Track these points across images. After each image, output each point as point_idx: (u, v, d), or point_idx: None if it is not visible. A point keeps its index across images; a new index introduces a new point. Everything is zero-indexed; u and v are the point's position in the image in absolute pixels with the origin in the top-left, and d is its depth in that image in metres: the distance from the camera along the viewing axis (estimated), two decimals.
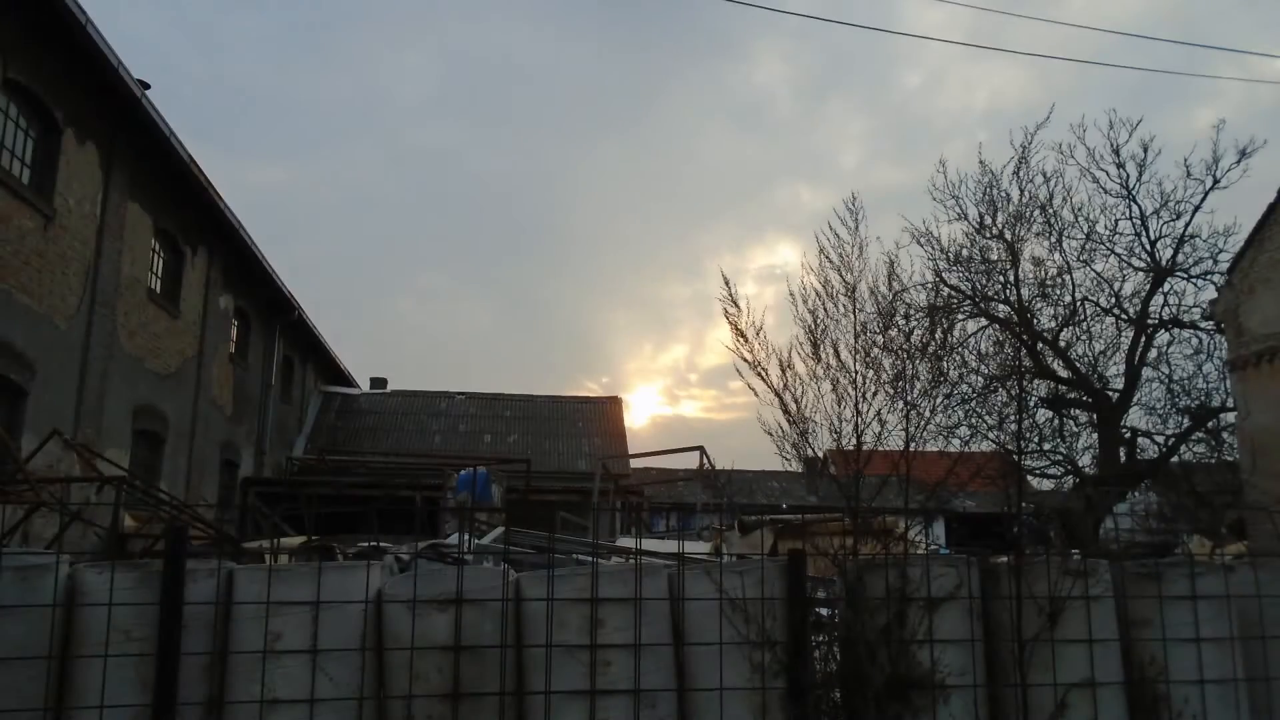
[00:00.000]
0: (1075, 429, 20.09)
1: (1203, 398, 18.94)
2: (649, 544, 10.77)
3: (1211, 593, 4.46)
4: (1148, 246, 19.69)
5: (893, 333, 6.04)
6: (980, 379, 16.51)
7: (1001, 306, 20.03)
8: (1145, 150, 19.28)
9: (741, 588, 4.27)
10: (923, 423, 5.72)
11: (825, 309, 5.79)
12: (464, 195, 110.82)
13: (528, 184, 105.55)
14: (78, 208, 12.17)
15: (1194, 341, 19.36)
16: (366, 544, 7.63)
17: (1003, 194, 19.73)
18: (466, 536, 9.23)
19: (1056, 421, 20.01)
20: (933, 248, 20.25)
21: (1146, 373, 19.61)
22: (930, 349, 6.07)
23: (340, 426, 27.68)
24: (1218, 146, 19.50)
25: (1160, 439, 19.64)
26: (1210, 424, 18.81)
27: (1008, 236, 19.77)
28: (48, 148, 11.56)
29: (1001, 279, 19.91)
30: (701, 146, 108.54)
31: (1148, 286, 19.66)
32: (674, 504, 30.57)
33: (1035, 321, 19.91)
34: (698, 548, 13.41)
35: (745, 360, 5.89)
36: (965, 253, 20.07)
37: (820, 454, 5.92)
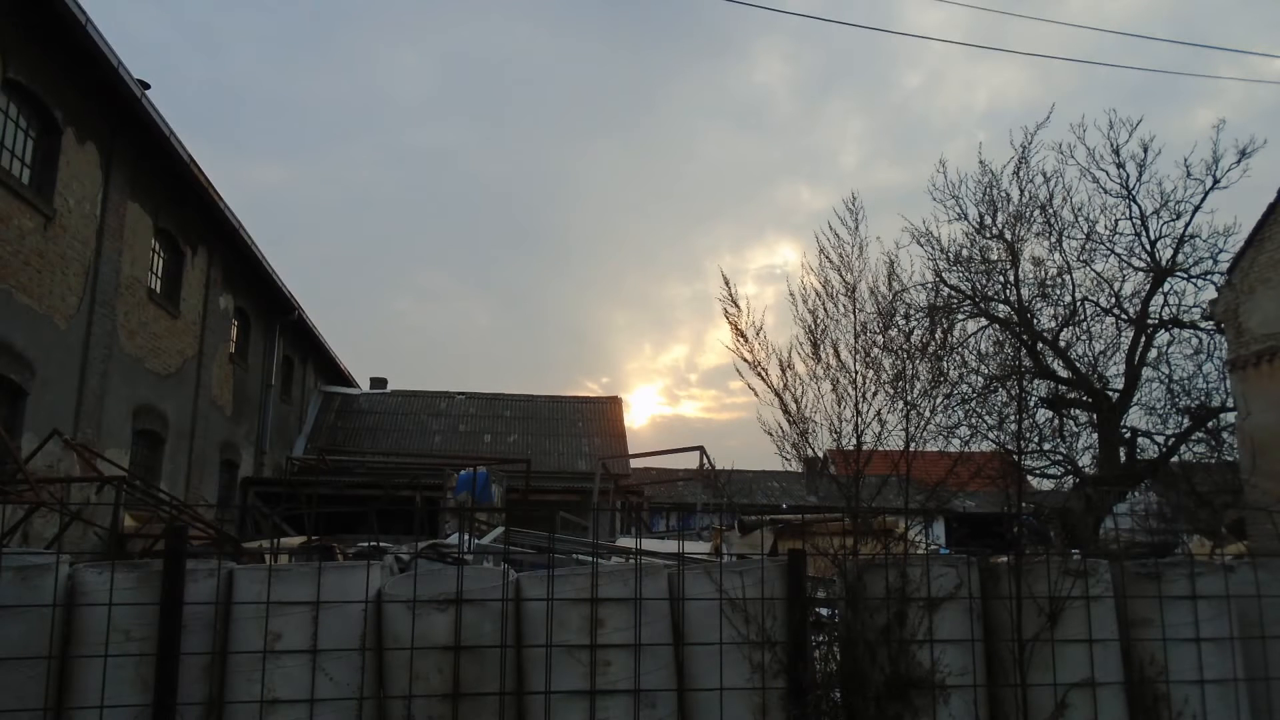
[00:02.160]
0: (1075, 429, 20.10)
1: (1203, 398, 18.94)
2: (649, 544, 10.77)
3: (1211, 593, 4.46)
4: (1148, 246, 19.70)
5: (893, 333, 6.04)
6: (980, 379, 16.52)
7: (1001, 306, 20.04)
8: (1145, 150, 19.30)
9: (741, 588, 4.27)
10: (923, 423, 5.72)
11: (825, 309, 5.79)
12: (464, 195, 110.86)
13: (528, 184, 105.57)
14: (78, 208, 12.17)
15: (1194, 341, 19.38)
16: (366, 544, 7.63)
17: (1003, 194, 19.75)
18: (466, 536, 9.22)
19: (1056, 421, 20.01)
20: (933, 248, 20.27)
21: (1146, 373, 19.62)
22: (930, 349, 6.08)
23: (340, 426, 27.69)
24: (1218, 146, 19.53)
25: (1160, 439, 19.65)
26: (1210, 424, 18.81)
27: (1008, 236, 19.77)
28: (48, 148, 11.56)
29: (1001, 279, 19.92)
30: (701, 146, 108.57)
31: (1148, 286, 19.67)
32: (674, 504, 30.63)
33: (1035, 321, 19.92)
34: (698, 548, 13.42)
35: (745, 360, 5.90)
36: (965, 253, 20.08)
37: (820, 454, 5.92)
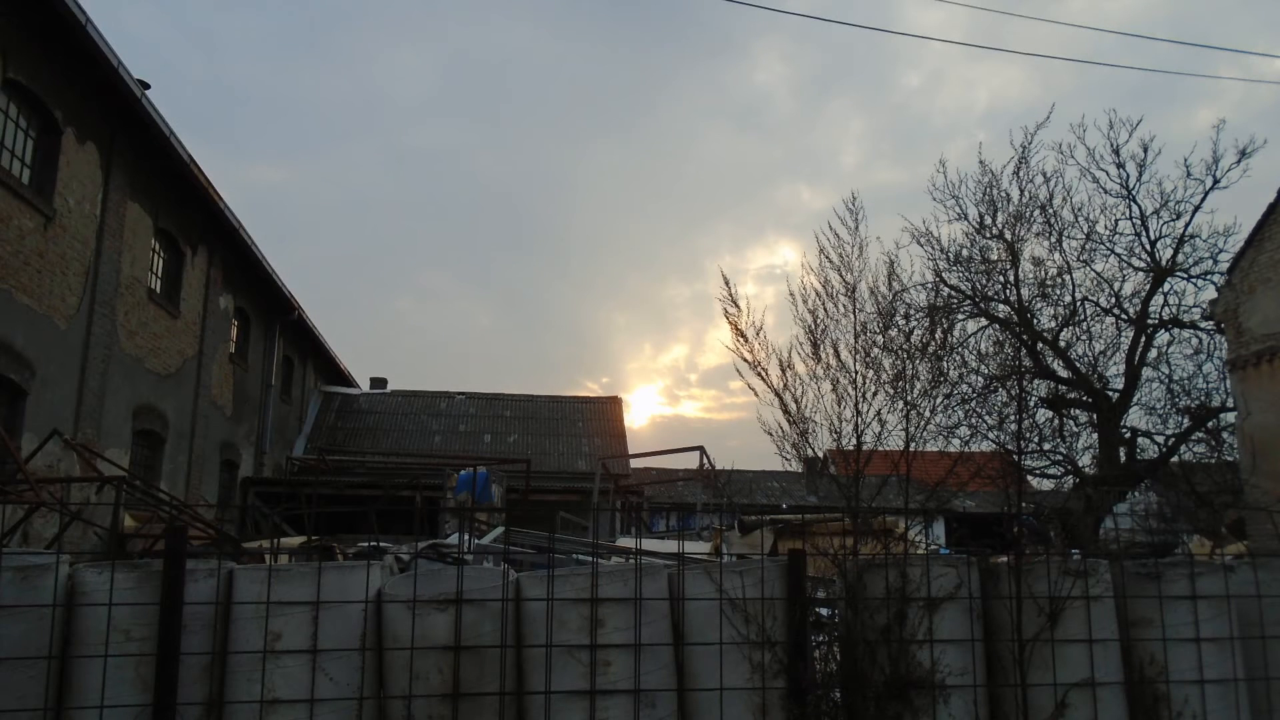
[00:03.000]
0: (1075, 429, 20.10)
1: (1203, 398, 18.93)
2: (649, 544, 10.77)
3: (1211, 593, 4.46)
4: (1148, 246, 19.70)
5: (893, 333, 6.05)
6: (980, 379, 16.52)
7: (1001, 306, 20.04)
8: (1145, 150, 19.30)
9: (741, 588, 4.27)
10: (923, 423, 5.73)
11: (825, 309, 5.80)
12: (464, 195, 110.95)
13: (528, 184, 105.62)
14: (78, 208, 12.17)
15: (1194, 341, 19.37)
16: (366, 544, 7.63)
17: (1003, 194, 19.75)
18: (466, 536, 9.23)
19: (1056, 421, 20.01)
20: (933, 248, 20.27)
21: (1146, 373, 19.62)
22: (930, 349, 6.08)
23: (340, 426, 27.70)
24: (1218, 146, 19.54)
25: (1160, 439, 19.65)
26: (1210, 424, 18.81)
27: (1008, 236, 19.78)
28: (48, 148, 11.56)
29: (1001, 279, 19.92)
30: (701, 146, 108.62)
31: (1148, 286, 19.67)
32: (674, 504, 30.63)
33: (1035, 321, 19.91)
34: (698, 548, 13.43)
35: (745, 360, 5.91)
36: (965, 253, 20.09)
37: (820, 454, 5.93)
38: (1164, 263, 19.49)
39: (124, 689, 3.76)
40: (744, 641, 4.22)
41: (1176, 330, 19.60)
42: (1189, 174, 19.03)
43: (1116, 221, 19.83)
